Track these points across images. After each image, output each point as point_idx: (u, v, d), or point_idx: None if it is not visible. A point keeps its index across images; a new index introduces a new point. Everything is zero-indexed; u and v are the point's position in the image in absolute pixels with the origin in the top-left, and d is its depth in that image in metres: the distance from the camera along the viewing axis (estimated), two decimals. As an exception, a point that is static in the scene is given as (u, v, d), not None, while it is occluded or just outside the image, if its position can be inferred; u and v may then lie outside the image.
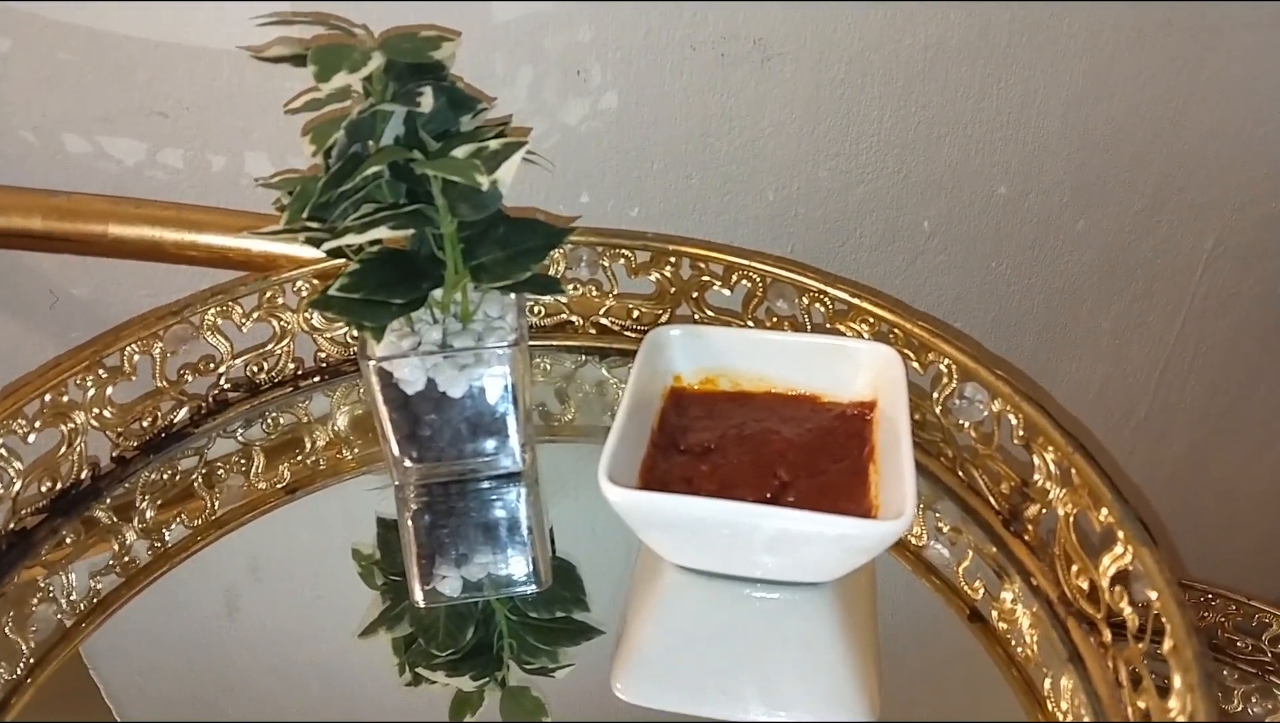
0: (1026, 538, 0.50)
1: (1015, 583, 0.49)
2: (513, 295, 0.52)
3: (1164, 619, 0.38)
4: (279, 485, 0.57)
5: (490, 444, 0.53)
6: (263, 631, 0.51)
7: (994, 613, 0.47)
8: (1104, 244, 0.90)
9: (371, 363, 0.49)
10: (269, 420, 0.61)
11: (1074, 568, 0.46)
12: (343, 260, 0.49)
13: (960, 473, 0.53)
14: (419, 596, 0.52)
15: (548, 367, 0.65)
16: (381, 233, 0.45)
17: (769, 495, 0.47)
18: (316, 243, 0.47)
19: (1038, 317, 0.92)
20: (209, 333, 0.59)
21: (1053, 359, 0.96)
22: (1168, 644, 0.37)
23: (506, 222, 0.48)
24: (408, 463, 0.53)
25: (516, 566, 0.53)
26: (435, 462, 0.53)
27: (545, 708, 0.45)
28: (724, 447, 0.49)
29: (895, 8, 0.71)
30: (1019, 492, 0.50)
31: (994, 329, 0.91)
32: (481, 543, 0.54)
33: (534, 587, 0.52)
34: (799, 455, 0.49)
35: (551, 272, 0.63)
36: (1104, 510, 0.43)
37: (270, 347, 0.61)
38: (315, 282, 0.61)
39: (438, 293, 0.50)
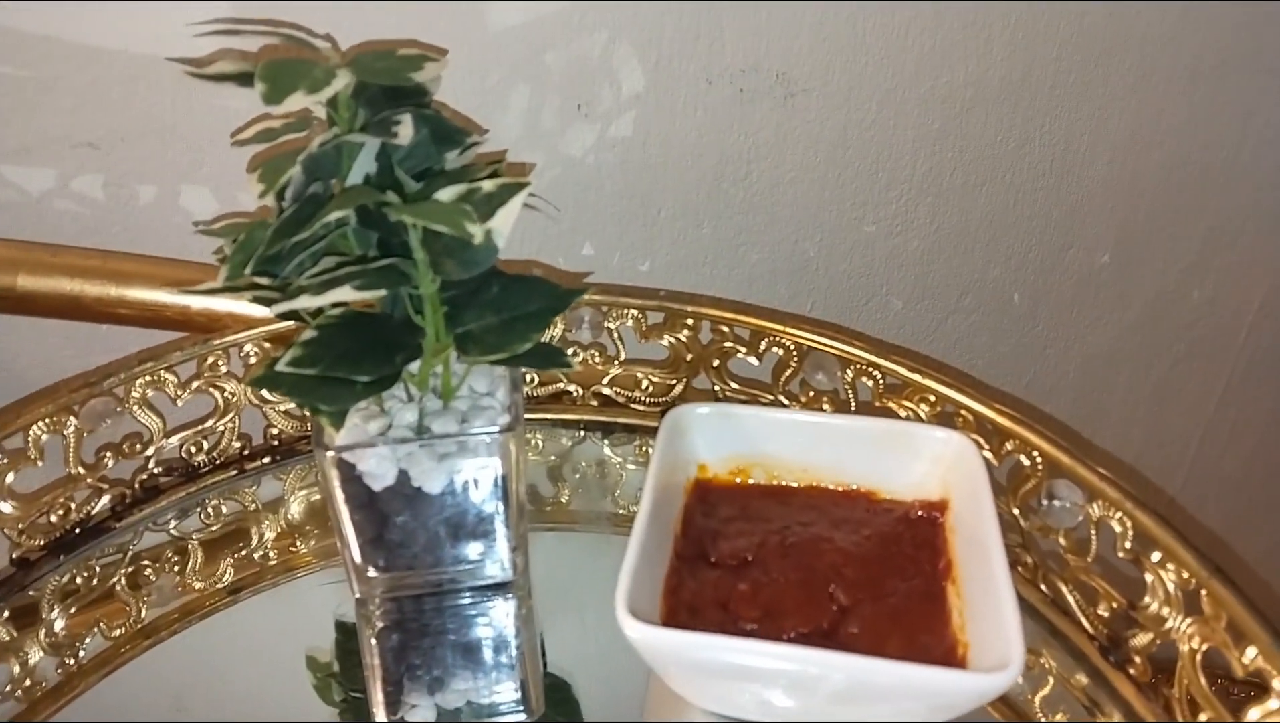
0: (1132, 672, 0.40)
1: (1115, 716, 0.40)
2: (505, 368, 0.43)
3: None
4: (220, 586, 0.49)
5: (474, 549, 0.44)
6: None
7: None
8: (1145, 304, 0.82)
9: (329, 454, 0.39)
10: (208, 510, 0.52)
11: (1203, 718, 0.37)
12: (299, 323, 0.40)
13: (1043, 587, 0.44)
14: None
15: (539, 443, 0.56)
16: (345, 294, 0.35)
17: (825, 625, 0.38)
18: (266, 302, 0.37)
19: (1074, 382, 0.84)
20: (136, 407, 0.49)
21: (1087, 427, 0.88)
22: None
23: (501, 280, 0.39)
24: (372, 572, 0.44)
25: (503, 692, 0.44)
26: (406, 571, 0.44)
27: None
28: (765, 559, 0.40)
29: (932, 41, 0.64)
30: (1123, 616, 0.41)
31: (1027, 394, 0.83)
32: (461, 665, 0.45)
33: (524, 717, 0.42)
34: (859, 571, 0.40)
35: (550, 337, 0.54)
36: (1250, 650, 0.34)
37: (211, 423, 0.52)
38: (266, 346, 0.51)
39: (415, 366, 0.40)
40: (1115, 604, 0.41)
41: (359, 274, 0.36)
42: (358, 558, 0.43)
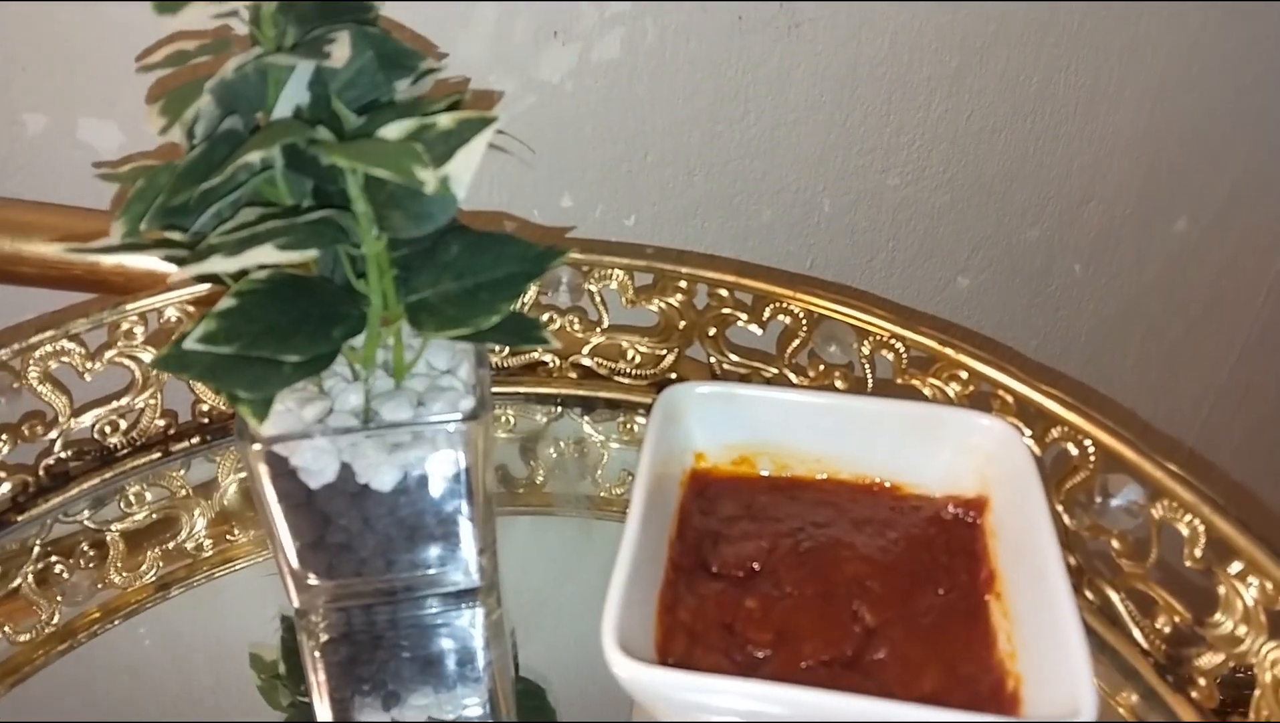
0: (1195, 696, 0.35)
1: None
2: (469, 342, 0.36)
3: None
4: (146, 581, 0.42)
5: (434, 554, 0.37)
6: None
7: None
8: (1165, 262, 0.77)
9: (255, 447, 0.33)
10: (128, 497, 0.45)
11: (1287, 757, 0.31)
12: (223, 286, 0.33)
13: (1089, 593, 0.38)
14: None
15: (511, 419, 0.50)
16: (267, 255, 0.29)
17: (849, 652, 0.32)
18: (180, 262, 0.30)
19: (1085, 344, 0.78)
20: (36, 382, 0.42)
21: (1094, 393, 0.82)
22: None
23: (462, 238, 0.32)
24: (313, 580, 0.37)
25: (469, 705, 0.38)
26: (353, 577, 0.37)
27: None
28: (775, 568, 0.34)
29: (954, -33, 0.57)
30: (1188, 632, 0.35)
31: (1036, 357, 0.77)
32: (419, 678, 0.39)
33: None
34: (886, 584, 0.34)
35: (520, 304, 0.47)
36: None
37: (128, 400, 0.45)
38: (191, 311, 0.44)
39: (359, 341, 0.33)
40: (1178, 618, 0.35)
41: (284, 230, 0.29)
42: (294, 564, 0.36)
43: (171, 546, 0.44)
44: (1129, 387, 0.83)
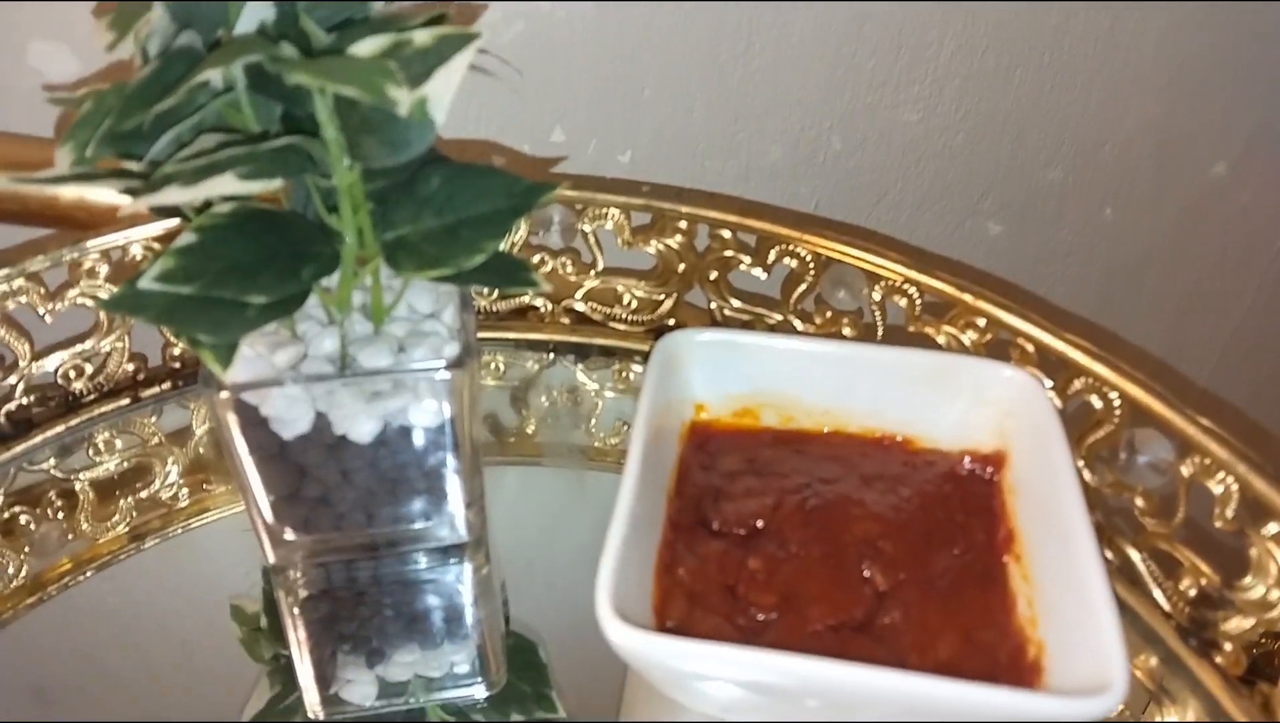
0: (1219, 661, 0.33)
1: (1189, 712, 0.33)
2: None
3: None
4: (119, 532, 0.41)
5: (418, 509, 0.35)
6: None
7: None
8: (1180, 207, 0.74)
9: (222, 395, 0.30)
10: (97, 445, 0.43)
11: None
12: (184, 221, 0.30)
13: (1109, 552, 0.36)
14: (316, 708, 0.34)
15: (500, 366, 0.47)
16: (227, 185, 0.26)
17: (860, 615, 0.30)
18: (134, 193, 0.28)
19: (1095, 292, 0.76)
20: (-7, 324, 0.40)
21: (1123, 343, 0.80)
22: None
23: (444, 171, 0.29)
24: (289, 536, 0.35)
25: (457, 664, 0.36)
26: (332, 533, 0.35)
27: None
28: (780, 527, 0.32)
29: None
30: (1214, 596, 0.33)
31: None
32: (405, 635, 0.37)
33: (483, 690, 0.35)
34: (898, 544, 0.32)
35: (509, 244, 0.44)
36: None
37: (93, 343, 0.42)
38: (157, 248, 0.41)
39: (333, 281, 0.31)
40: (1204, 581, 0.33)
41: (246, 158, 0.26)
42: (269, 519, 0.34)
43: (145, 495, 0.42)
44: (1138, 335, 0.81)
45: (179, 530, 0.41)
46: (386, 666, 0.36)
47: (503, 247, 0.29)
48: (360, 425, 0.32)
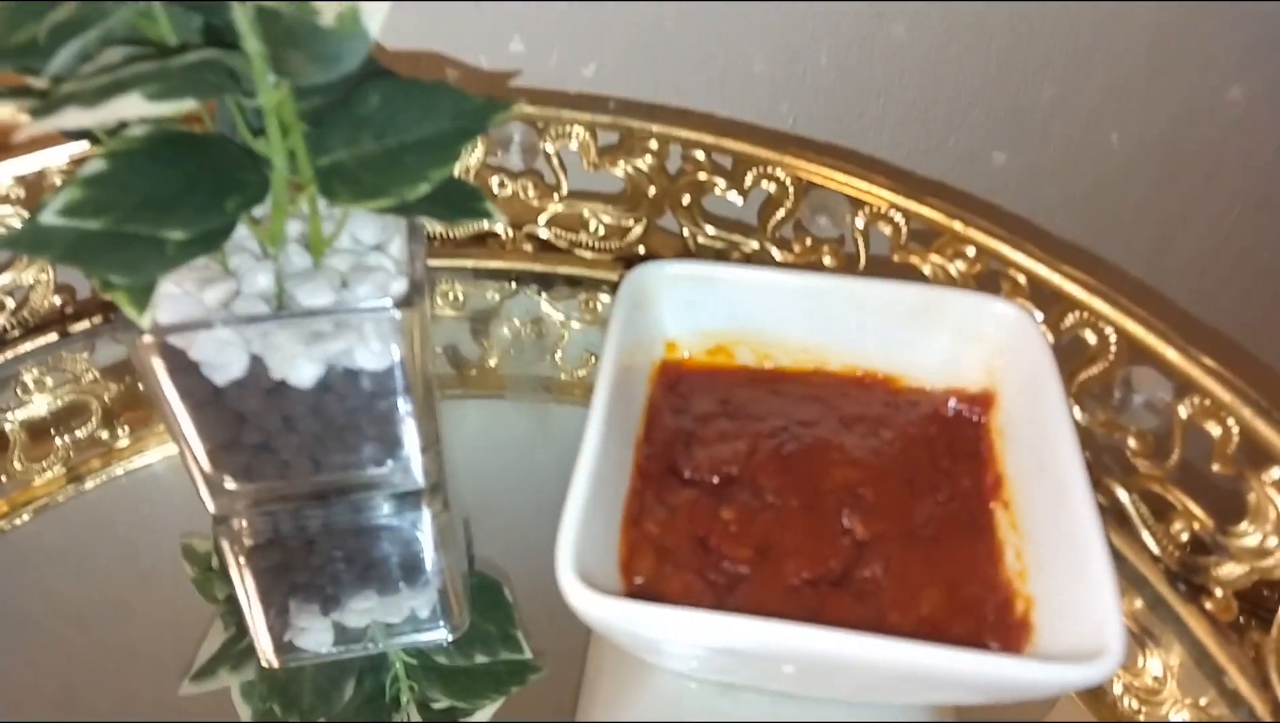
0: (1209, 607, 0.32)
1: (1173, 657, 0.32)
2: (401, 212, 0.31)
3: None
4: (56, 474, 0.38)
5: (368, 454, 0.33)
6: (50, 674, 0.33)
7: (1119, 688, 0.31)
8: (1172, 119, 0.71)
9: (145, 339, 0.28)
10: (24, 382, 0.40)
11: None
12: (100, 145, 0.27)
13: (1099, 497, 0.35)
14: (269, 655, 0.33)
15: (459, 296, 0.45)
16: (134, 107, 0.23)
17: (838, 567, 0.28)
18: (34, 113, 0.24)
19: (1078, 208, 0.74)
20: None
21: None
22: None
23: (383, 87, 0.26)
24: (230, 485, 0.33)
25: (418, 609, 0.35)
26: (276, 481, 0.33)
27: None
28: (755, 474, 0.30)
29: None
30: (1206, 541, 0.32)
31: (1029, 220, 0.72)
32: (360, 581, 0.35)
33: (446, 633, 0.34)
34: (880, 492, 0.30)
35: (464, 168, 0.41)
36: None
37: (13, 276, 0.39)
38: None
39: (265, 212, 0.28)
40: (1197, 525, 0.32)
41: (154, 75, 0.23)
42: (207, 467, 0.32)
43: (81, 434, 0.40)
44: (1116, 253, 0.79)
45: (121, 471, 0.39)
46: (343, 612, 0.34)
47: (450, 172, 0.26)
48: (300, 369, 0.29)
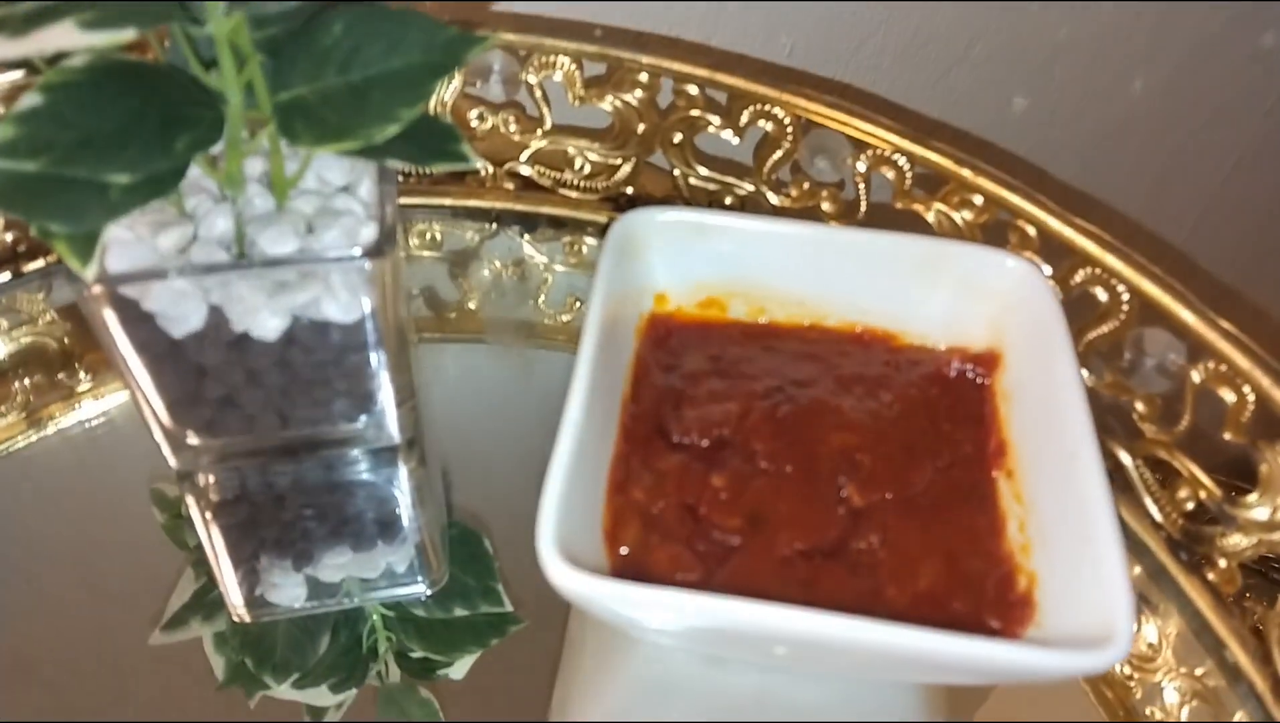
0: (1211, 577, 0.31)
1: (1170, 626, 0.31)
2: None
3: None
4: (15, 418, 0.37)
5: (339, 409, 0.31)
6: (13, 626, 0.32)
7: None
8: (1178, 60, 0.69)
9: (96, 289, 0.26)
10: (-21, 325, 0.38)
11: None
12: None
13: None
14: (240, 609, 0.31)
15: (436, 235, 0.42)
16: (67, 37, 0.20)
17: (833, 536, 0.27)
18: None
19: (1080, 150, 0.71)
20: None
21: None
22: None
23: (347, 16, 0.24)
24: (192, 440, 0.31)
25: (395, 564, 0.33)
26: (242, 436, 0.31)
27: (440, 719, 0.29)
28: (747, 437, 0.29)
29: None
30: (1213, 511, 0.31)
31: (1028, 160, 0.70)
32: (334, 535, 0.34)
33: (424, 587, 0.32)
34: (876, 454, 0.28)
35: (439, 100, 0.38)
36: None
37: (-42, 211, 0.36)
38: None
39: (219, 150, 0.26)
40: (1203, 494, 0.31)
41: (90, 2, 0.21)
42: (167, 422, 0.30)
43: (40, 377, 0.38)
44: (1114, 198, 0.77)
45: (85, 414, 0.37)
46: (316, 568, 0.33)
47: (421, 110, 0.24)
48: (263, 322, 0.27)
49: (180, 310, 0.27)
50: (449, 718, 0.30)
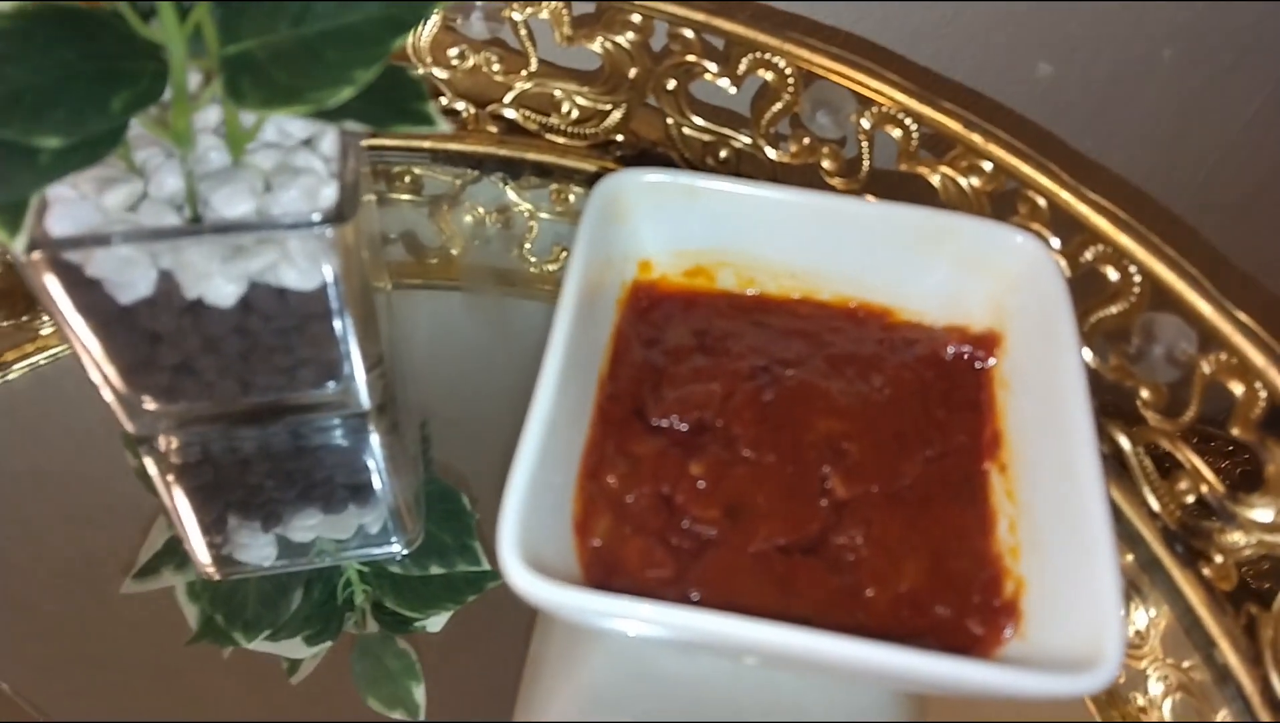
0: (1207, 573, 0.30)
1: (1160, 617, 0.30)
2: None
3: None
4: None
5: (303, 376, 0.30)
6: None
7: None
8: (1194, 12, 0.65)
9: (34, 255, 0.24)
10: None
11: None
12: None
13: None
14: (208, 568, 0.31)
15: (416, 178, 0.40)
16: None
17: (815, 530, 0.25)
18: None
19: (1091, 102, 0.69)
20: None
21: (1096, 147, 0.73)
22: None
23: (301, -37, 0.22)
24: (149, 405, 0.30)
25: (368, 526, 0.32)
26: (201, 402, 0.30)
27: (417, 669, 0.29)
28: (729, 422, 0.27)
29: None
30: (1215, 506, 0.29)
31: (1039, 107, 0.67)
32: (303, 496, 0.33)
33: (399, 547, 0.32)
34: (864, 442, 0.27)
35: (415, 37, 0.36)
36: None
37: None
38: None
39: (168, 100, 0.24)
40: (1205, 488, 0.29)
41: (4, -58, 0.18)
42: (120, 388, 0.29)
43: (6, 323, 0.36)
44: (1133, 143, 0.75)
45: (52, 356, 0.36)
46: (286, 529, 0.32)
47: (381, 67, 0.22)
48: (218, 288, 0.26)
49: (127, 277, 0.25)
50: (426, 669, 0.29)
